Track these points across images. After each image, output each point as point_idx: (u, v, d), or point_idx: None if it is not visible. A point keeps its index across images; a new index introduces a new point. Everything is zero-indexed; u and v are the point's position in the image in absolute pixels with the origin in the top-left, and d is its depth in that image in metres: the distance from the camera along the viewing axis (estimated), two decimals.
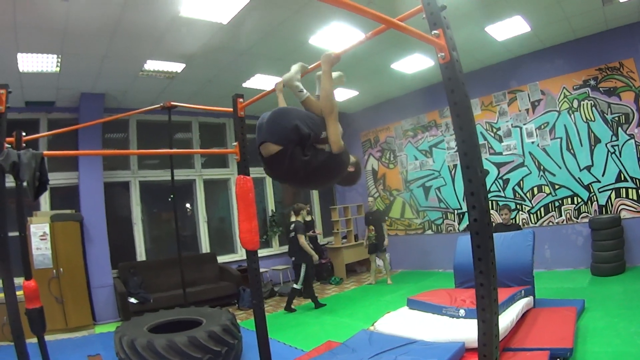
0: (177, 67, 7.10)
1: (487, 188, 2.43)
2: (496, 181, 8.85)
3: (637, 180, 7.20)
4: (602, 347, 4.07)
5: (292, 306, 7.53)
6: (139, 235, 8.74)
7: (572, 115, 7.84)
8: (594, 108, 7.60)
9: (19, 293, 3.23)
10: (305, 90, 2.65)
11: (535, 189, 8.36)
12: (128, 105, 8.36)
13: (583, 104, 7.71)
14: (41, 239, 6.79)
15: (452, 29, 2.16)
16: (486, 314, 2.02)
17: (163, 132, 8.12)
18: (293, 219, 8.48)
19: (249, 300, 7.84)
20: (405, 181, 10.58)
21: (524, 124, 8.45)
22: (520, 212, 8.55)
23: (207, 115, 9.83)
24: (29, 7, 4.72)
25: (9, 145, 3.05)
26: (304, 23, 6.04)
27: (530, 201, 8.43)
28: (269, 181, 10.78)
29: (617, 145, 7.37)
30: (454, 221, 9.63)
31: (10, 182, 3.08)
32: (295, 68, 2.77)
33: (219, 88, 8.18)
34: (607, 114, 7.47)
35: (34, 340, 4.00)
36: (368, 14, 1.94)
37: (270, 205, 10.77)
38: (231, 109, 3.75)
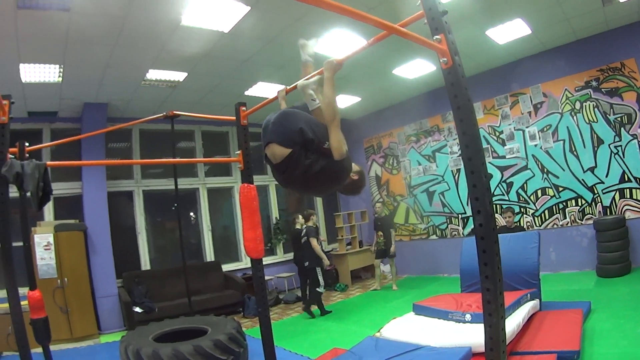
0: (179, 76, 7.13)
1: (491, 192, 2.42)
2: (500, 185, 8.82)
3: None
4: (609, 348, 4.04)
5: (311, 309, 7.59)
6: (143, 245, 8.74)
7: (575, 117, 7.82)
8: (596, 109, 7.59)
9: (24, 303, 3.22)
10: (317, 100, 2.63)
11: (539, 192, 8.33)
12: (131, 114, 8.38)
13: (585, 105, 7.70)
14: (45, 249, 6.79)
15: (453, 34, 2.17)
16: (493, 319, 2.01)
17: (166, 141, 8.13)
18: (298, 226, 8.49)
19: (254, 308, 7.81)
20: (409, 186, 10.56)
21: (527, 127, 8.44)
22: (525, 215, 8.52)
23: (209, 124, 9.84)
24: (30, 18, 4.75)
25: (12, 156, 3.06)
26: (305, 30, 6.04)
27: (535, 204, 8.40)
28: (272, 189, 10.79)
29: (620, 145, 7.35)
30: (459, 226, 9.60)
31: (14, 192, 3.08)
32: (314, 79, 2.77)
33: (221, 96, 8.20)
34: (609, 115, 7.45)
35: (39, 350, 4.00)
36: (370, 20, 1.95)
37: (274, 213, 10.76)
38: (234, 118, 3.76)
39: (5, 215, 2.83)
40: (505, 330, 2.05)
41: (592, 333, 4.53)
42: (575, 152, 7.84)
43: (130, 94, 7.59)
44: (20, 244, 4.09)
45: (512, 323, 4.06)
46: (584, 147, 7.74)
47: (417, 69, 8.31)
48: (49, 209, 7.74)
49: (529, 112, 8.41)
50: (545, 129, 8.20)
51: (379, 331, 4.85)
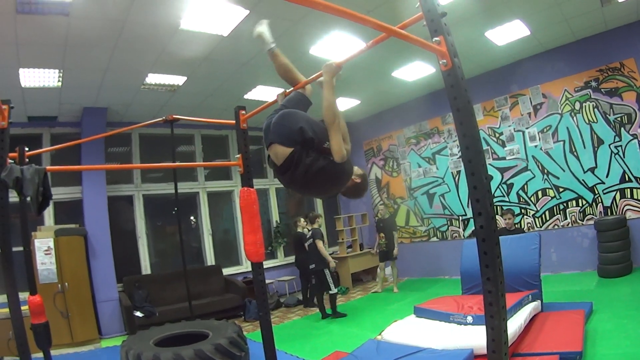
0: (179, 80, 7.13)
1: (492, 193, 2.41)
2: (500, 186, 8.82)
3: None
4: (611, 349, 4.03)
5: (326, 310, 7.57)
6: (143, 249, 8.73)
7: (575, 118, 7.82)
8: (596, 109, 7.59)
9: (24, 308, 3.22)
10: (272, 44, 3.02)
11: (540, 193, 8.33)
12: (130, 119, 8.39)
13: (585, 106, 7.70)
14: (46, 254, 6.79)
15: (452, 35, 2.16)
16: (495, 321, 2.00)
17: (166, 146, 8.14)
18: (300, 229, 8.49)
19: (255, 312, 7.80)
20: (409, 189, 10.55)
21: (527, 128, 8.44)
22: (525, 216, 8.51)
23: (209, 128, 9.85)
24: (30, 23, 4.76)
25: (12, 161, 3.05)
26: (304, 33, 6.06)
27: (535, 205, 8.39)
28: (272, 192, 10.79)
29: (621, 145, 7.35)
30: (459, 227, 9.60)
31: (13, 197, 3.08)
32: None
33: (221, 100, 8.20)
34: (609, 115, 7.45)
35: (40, 355, 4.00)
36: (369, 22, 1.95)
37: (275, 217, 10.75)
38: (233, 121, 3.76)
39: (5, 220, 2.83)
40: (507, 332, 2.04)
41: (594, 334, 4.52)
42: (575, 153, 7.84)
43: (130, 98, 7.60)
44: (21, 248, 4.09)
45: (514, 325, 4.05)
46: (584, 147, 7.74)
47: (417, 71, 8.32)
48: (49, 214, 7.73)
49: (529, 113, 8.41)
50: (545, 130, 8.19)
51: (380, 334, 4.85)
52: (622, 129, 7.32)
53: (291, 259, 9.69)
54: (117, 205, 8.56)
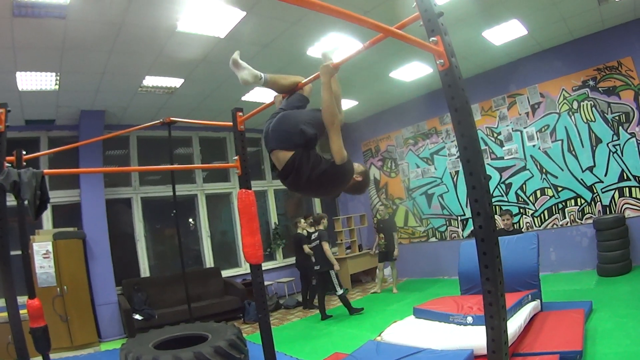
0: (176, 82, 7.12)
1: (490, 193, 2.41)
2: (498, 186, 8.82)
3: None
4: (612, 348, 4.03)
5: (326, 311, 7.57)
6: (142, 252, 8.71)
7: (573, 117, 7.83)
8: (594, 108, 7.59)
9: (23, 312, 3.21)
10: (263, 76, 3.01)
11: (538, 192, 8.33)
12: (128, 121, 8.38)
13: (583, 105, 7.71)
14: (44, 258, 6.76)
15: (449, 35, 2.16)
16: (494, 321, 2.00)
17: (164, 148, 8.13)
18: (300, 230, 8.47)
19: (254, 313, 7.79)
20: (408, 189, 10.55)
21: (525, 128, 8.44)
22: (524, 216, 8.51)
23: (207, 130, 9.84)
24: (26, 26, 4.75)
25: (10, 164, 3.05)
26: (301, 34, 6.06)
27: (534, 204, 8.40)
28: (271, 194, 10.78)
29: (619, 144, 7.35)
30: (458, 228, 9.59)
31: (11, 201, 3.07)
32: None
33: (218, 102, 8.19)
34: (607, 114, 7.45)
35: (39, 359, 3.98)
36: (366, 23, 1.94)
37: (273, 218, 10.74)
38: (231, 123, 3.76)
39: (3, 224, 2.83)
40: (507, 332, 2.04)
41: (595, 333, 4.52)
42: (573, 152, 7.84)
43: (127, 100, 7.58)
44: (19, 252, 4.08)
45: (514, 324, 4.05)
46: (582, 146, 7.74)
47: (414, 72, 8.32)
48: (47, 217, 7.71)
49: (527, 113, 8.41)
50: (543, 129, 8.20)
51: (379, 335, 4.84)
52: (620, 127, 7.33)
53: (290, 260, 9.68)
54: (116, 208, 8.55)
